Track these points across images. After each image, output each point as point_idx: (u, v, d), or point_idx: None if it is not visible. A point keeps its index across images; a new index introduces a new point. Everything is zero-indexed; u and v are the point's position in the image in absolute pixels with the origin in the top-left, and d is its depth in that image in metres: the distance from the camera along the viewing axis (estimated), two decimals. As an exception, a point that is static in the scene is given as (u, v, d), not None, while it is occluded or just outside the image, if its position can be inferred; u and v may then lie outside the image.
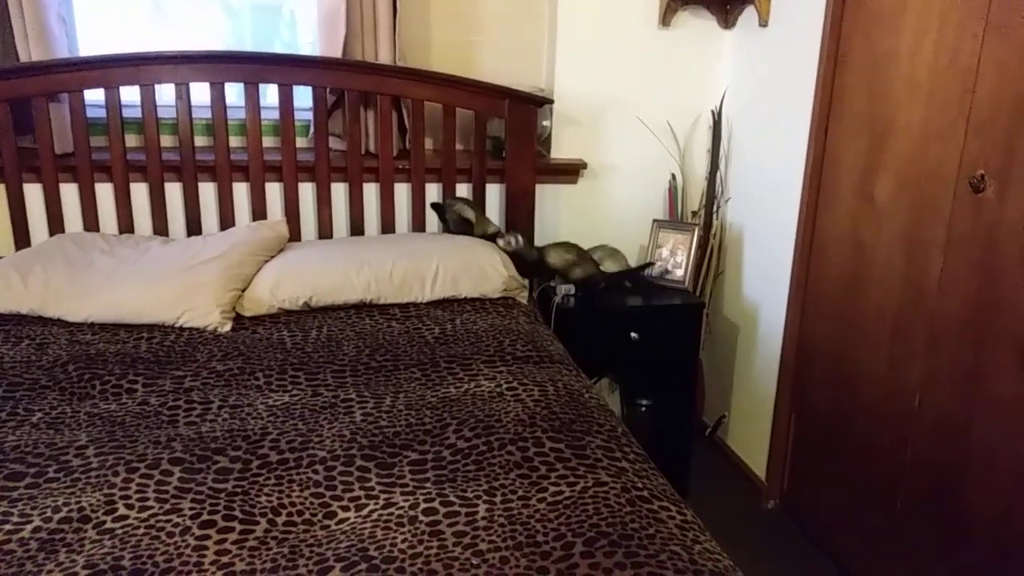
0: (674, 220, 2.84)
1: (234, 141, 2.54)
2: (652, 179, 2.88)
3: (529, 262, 2.48)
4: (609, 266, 2.64)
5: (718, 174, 2.83)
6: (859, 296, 2.20)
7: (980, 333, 1.80)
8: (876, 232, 2.12)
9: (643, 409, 2.74)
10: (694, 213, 2.90)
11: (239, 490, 1.34)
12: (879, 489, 2.15)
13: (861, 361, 2.20)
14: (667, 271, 2.72)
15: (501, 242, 2.44)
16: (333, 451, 1.46)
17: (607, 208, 2.88)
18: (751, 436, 2.77)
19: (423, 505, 1.31)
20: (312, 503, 1.32)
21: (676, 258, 2.72)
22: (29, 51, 2.28)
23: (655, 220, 2.78)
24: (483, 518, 1.27)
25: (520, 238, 2.47)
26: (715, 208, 2.85)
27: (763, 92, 2.60)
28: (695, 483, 2.78)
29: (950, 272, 1.88)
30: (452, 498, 1.32)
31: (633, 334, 2.55)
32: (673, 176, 2.86)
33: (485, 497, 1.33)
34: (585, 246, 2.76)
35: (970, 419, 1.84)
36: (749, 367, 2.77)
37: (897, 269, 2.05)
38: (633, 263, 2.81)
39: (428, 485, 1.37)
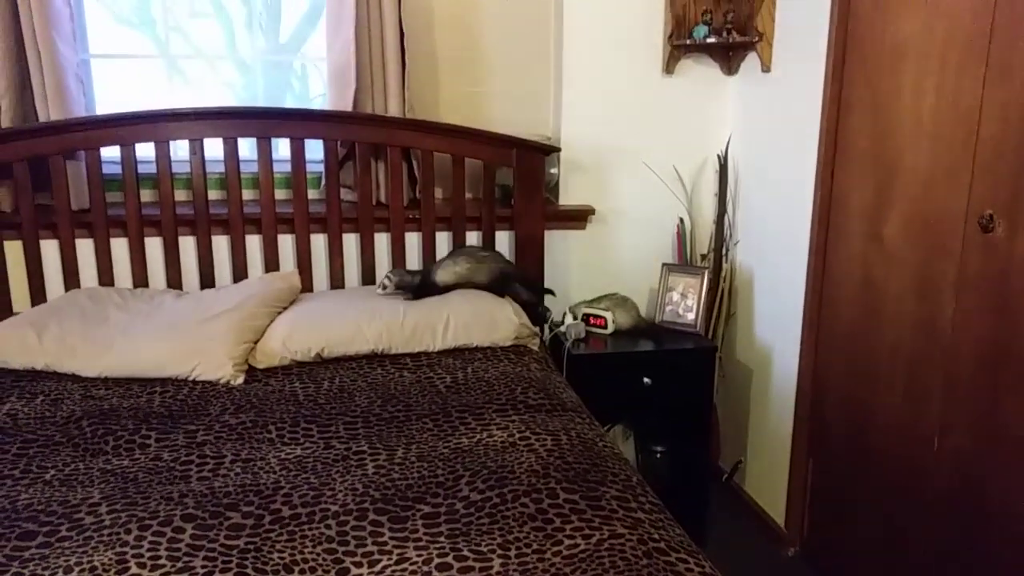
0: (683, 264, 2.84)
1: (247, 194, 2.58)
2: (660, 223, 2.89)
3: (416, 287, 2.38)
4: (619, 316, 2.64)
5: (726, 217, 2.85)
6: (872, 337, 2.19)
7: (997, 373, 1.78)
8: (887, 273, 2.12)
9: (658, 456, 2.71)
10: (703, 256, 2.91)
11: (251, 547, 1.32)
12: (901, 534, 2.11)
13: (877, 403, 2.18)
14: (679, 315, 2.72)
15: (378, 289, 2.39)
16: (346, 505, 1.45)
17: (616, 252, 2.89)
18: (769, 481, 2.73)
19: (437, 560, 1.29)
20: (325, 559, 1.30)
21: (687, 301, 2.71)
22: (48, 111, 2.34)
23: (664, 264, 2.79)
24: (498, 573, 1.25)
25: (394, 276, 2.39)
26: (724, 251, 2.86)
27: (768, 136, 2.63)
28: (713, 531, 2.73)
29: (963, 312, 1.87)
30: (466, 552, 1.31)
31: (646, 379, 2.54)
32: (681, 220, 2.87)
33: (499, 551, 1.31)
34: (595, 291, 2.77)
35: (991, 461, 1.81)
36: (764, 411, 2.74)
37: (909, 309, 2.04)
38: (643, 308, 2.81)
39: (442, 539, 1.35)
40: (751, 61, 2.69)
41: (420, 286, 2.39)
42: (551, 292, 2.65)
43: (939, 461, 1.96)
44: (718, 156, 2.84)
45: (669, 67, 2.75)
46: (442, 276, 2.42)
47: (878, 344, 2.16)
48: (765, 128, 2.64)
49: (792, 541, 2.60)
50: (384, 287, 2.38)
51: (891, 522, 2.15)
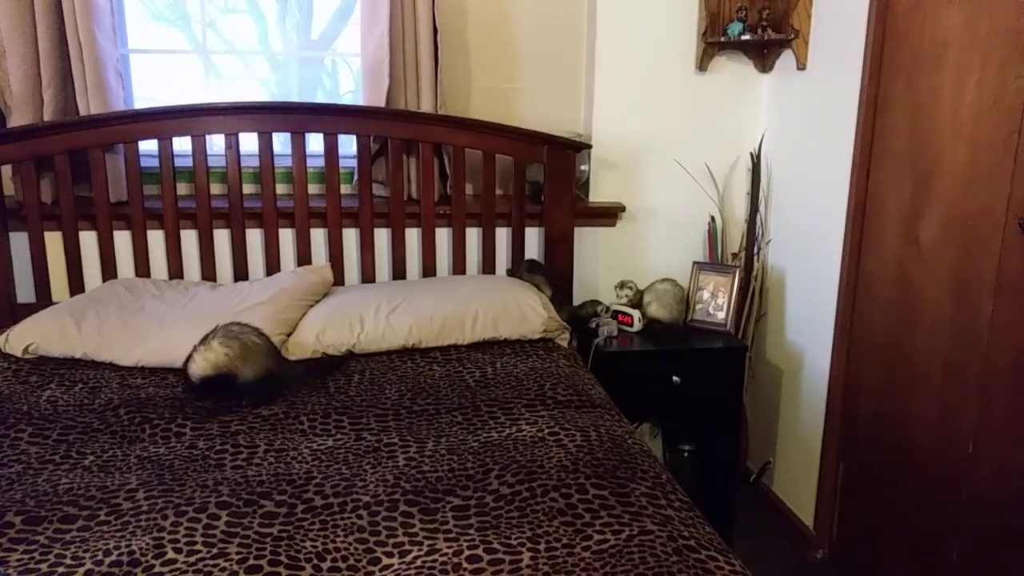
0: (714, 262, 2.82)
1: (281, 188, 2.61)
2: (691, 221, 2.87)
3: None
4: (655, 310, 2.63)
5: (758, 216, 2.82)
6: (907, 339, 2.16)
7: (1036, 378, 1.75)
8: (923, 274, 2.09)
9: (686, 455, 2.69)
10: (734, 255, 2.88)
11: (284, 535, 1.34)
12: (933, 539, 2.08)
13: (911, 406, 2.15)
14: (709, 314, 2.71)
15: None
16: (377, 496, 1.46)
17: (646, 250, 2.88)
18: (798, 483, 2.71)
19: (467, 552, 1.30)
20: (356, 549, 1.32)
21: (717, 300, 2.70)
22: (88, 104, 2.38)
23: (695, 262, 2.77)
24: (527, 566, 1.26)
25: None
26: (756, 250, 2.83)
27: (802, 134, 2.60)
28: (740, 531, 2.71)
29: (1002, 315, 1.84)
30: (496, 545, 1.31)
31: (675, 378, 2.53)
32: (712, 218, 2.86)
33: (529, 545, 1.32)
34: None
35: (1028, 467, 1.78)
36: (794, 412, 2.71)
37: (946, 312, 2.01)
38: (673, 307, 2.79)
39: (472, 532, 1.36)
40: (786, 59, 2.66)
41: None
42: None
43: (974, 466, 1.93)
44: (751, 154, 2.82)
45: (702, 64, 2.73)
46: (198, 365, 1.83)
47: (913, 347, 2.13)
48: (799, 127, 2.62)
49: (821, 543, 2.57)
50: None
51: (922, 527, 2.12)
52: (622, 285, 2.67)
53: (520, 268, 2.60)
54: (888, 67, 2.20)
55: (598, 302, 2.65)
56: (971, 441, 1.94)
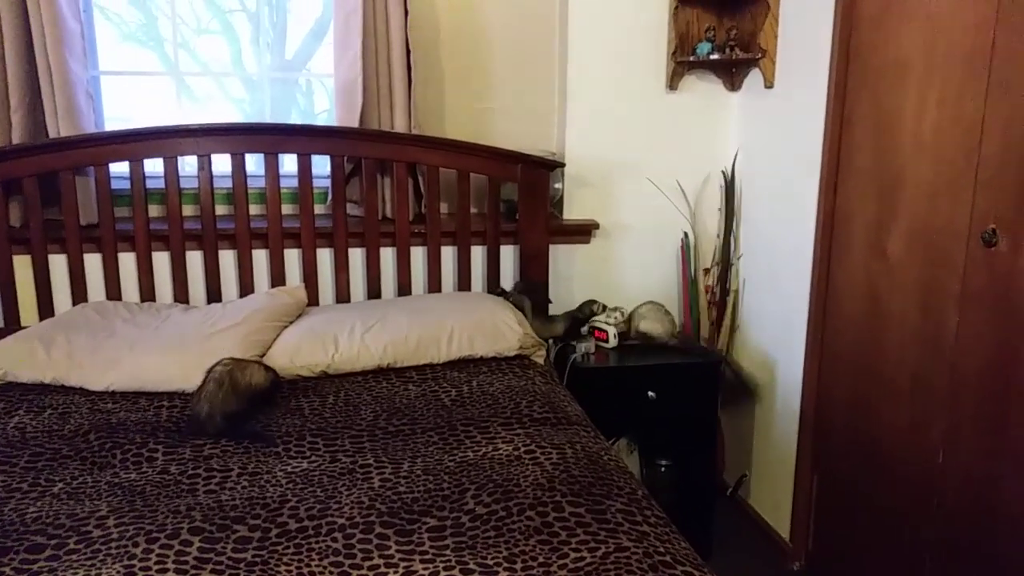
0: (687, 277, 2.85)
1: (254, 209, 2.60)
2: (664, 237, 2.90)
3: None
4: (648, 326, 2.64)
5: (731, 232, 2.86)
6: (877, 351, 2.19)
7: (1002, 386, 1.78)
8: (891, 287, 2.12)
9: (663, 469, 2.70)
10: (706, 270, 2.92)
11: (258, 560, 1.33)
12: (907, 549, 2.10)
13: (882, 417, 2.18)
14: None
15: None
16: (352, 518, 1.45)
17: (620, 266, 2.90)
18: (774, 495, 2.73)
19: (443, 573, 1.29)
20: (332, 572, 1.31)
21: (691, 316, 2.72)
22: (58, 127, 2.36)
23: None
24: (504, 586, 1.26)
25: None
26: (729, 265, 2.86)
27: (772, 151, 2.64)
28: (718, 545, 2.72)
29: (967, 326, 1.87)
30: (472, 566, 1.31)
31: (650, 393, 2.54)
32: (685, 234, 2.89)
33: (505, 564, 1.31)
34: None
35: (997, 473, 1.81)
36: (769, 425, 2.74)
37: (913, 323, 2.05)
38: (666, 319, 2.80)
39: (448, 552, 1.35)
40: (754, 77, 2.71)
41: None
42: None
43: (944, 475, 1.96)
44: (723, 172, 2.86)
45: (673, 83, 2.77)
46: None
47: (882, 358, 2.17)
48: (768, 143, 2.66)
49: (797, 555, 2.59)
50: None
51: (896, 537, 2.14)
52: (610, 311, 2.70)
53: (515, 287, 2.62)
54: (853, 85, 2.25)
55: (594, 301, 2.64)
56: (941, 451, 1.97)
